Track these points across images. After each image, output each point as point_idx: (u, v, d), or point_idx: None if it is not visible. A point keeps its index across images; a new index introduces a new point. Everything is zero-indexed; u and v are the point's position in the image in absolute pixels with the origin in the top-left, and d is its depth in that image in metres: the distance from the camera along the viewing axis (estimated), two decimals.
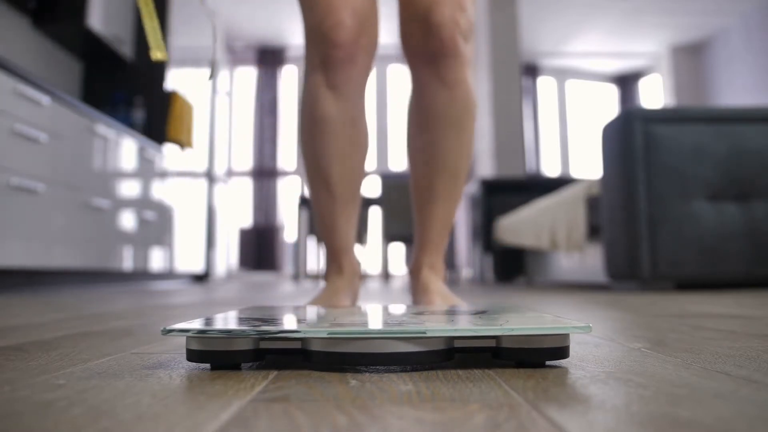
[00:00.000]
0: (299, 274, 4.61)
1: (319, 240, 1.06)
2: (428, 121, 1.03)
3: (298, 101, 1.06)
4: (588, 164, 7.36)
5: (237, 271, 6.75)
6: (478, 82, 6.17)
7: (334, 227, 1.04)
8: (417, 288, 1.05)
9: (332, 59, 0.96)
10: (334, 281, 1.04)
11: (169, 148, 3.77)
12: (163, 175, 3.53)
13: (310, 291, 2.62)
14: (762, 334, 0.70)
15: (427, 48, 0.98)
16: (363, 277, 4.33)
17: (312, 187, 1.05)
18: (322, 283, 3.74)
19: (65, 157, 2.55)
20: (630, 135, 2.20)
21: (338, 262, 1.05)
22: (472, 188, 4.74)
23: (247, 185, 6.83)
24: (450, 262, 4.83)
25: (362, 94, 1.03)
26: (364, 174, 1.07)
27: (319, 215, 1.06)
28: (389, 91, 6.95)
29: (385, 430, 0.29)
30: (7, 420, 0.31)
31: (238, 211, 6.84)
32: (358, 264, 1.08)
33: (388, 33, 6.48)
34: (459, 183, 1.06)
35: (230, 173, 6.79)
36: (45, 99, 2.40)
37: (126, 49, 3.67)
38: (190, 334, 0.46)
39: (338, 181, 1.02)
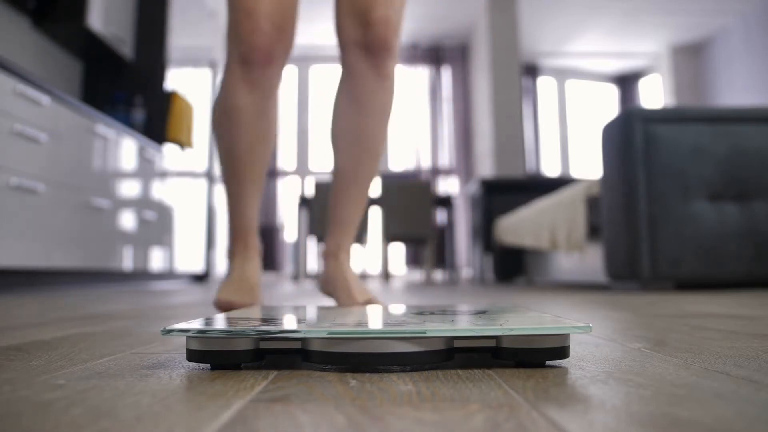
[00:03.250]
0: (299, 274, 4.61)
1: (230, 225, 1.14)
2: (360, 106, 1.12)
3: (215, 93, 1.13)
4: (588, 164, 7.36)
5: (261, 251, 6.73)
6: (478, 82, 6.17)
7: (244, 208, 1.14)
8: (335, 276, 1.12)
9: (250, 59, 1.05)
10: (241, 262, 1.12)
11: (169, 148, 3.77)
12: (163, 175, 3.53)
13: (311, 291, 2.62)
14: (762, 334, 0.70)
15: (365, 41, 1.08)
16: (365, 276, 4.33)
17: (224, 172, 1.14)
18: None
19: (65, 157, 2.55)
20: (630, 135, 2.20)
21: (244, 240, 1.14)
22: (472, 188, 4.74)
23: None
24: (450, 262, 4.83)
25: (275, 90, 1.12)
26: (268, 160, 1.16)
27: (228, 197, 1.15)
28: None
29: (385, 430, 0.29)
30: (7, 420, 0.31)
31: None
32: (258, 246, 1.17)
33: None
34: (377, 166, 1.17)
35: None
36: (45, 99, 2.40)
37: (126, 49, 3.67)
38: (190, 334, 0.46)
39: (247, 167, 1.12)
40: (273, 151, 1.18)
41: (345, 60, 1.12)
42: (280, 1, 1.07)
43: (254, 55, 1.05)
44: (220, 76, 1.18)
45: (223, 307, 1.03)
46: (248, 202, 1.14)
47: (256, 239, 1.16)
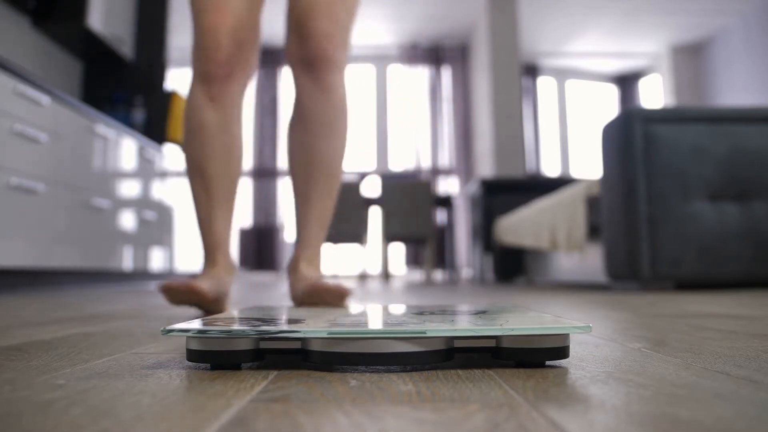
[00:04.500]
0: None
1: (202, 243, 1.14)
2: (306, 124, 1.11)
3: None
4: (588, 164, 7.36)
5: (237, 271, 6.75)
6: (478, 82, 6.17)
7: (210, 224, 1.13)
8: (294, 280, 1.10)
9: (211, 75, 1.07)
10: (210, 271, 1.11)
11: (169, 148, 3.77)
12: (163, 175, 3.53)
13: None
14: (762, 334, 0.70)
15: (305, 55, 1.08)
16: (365, 276, 4.33)
17: (191, 186, 1.14)
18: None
19: (65, 157, 2.55)
20: (630, 135, 2.20)
21: (213, 257, 1.12)
22: (472, 188, 4.74)
23: (247, 185, 6.83)
24: (450, 262, 4.83)
25: (238, 105, 1.13)
26: (238, 176, 1.16)
27: (197, 213, 1.14)
28: (389, 91, 6.95)
29: (385, 430, 0.29)
30: (7, 420, 0.31)
31: (238, 211, 6.84)
32: (233, 263, 1.15)
33: (388, 33, 6.48)
34: (334, 182, 1.15)
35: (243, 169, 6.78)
36: (45, 99, 2.40)
37: (126, 49, 3.67)
38: (190, 334, 0.46)
39: (214, 181, 1.12)
40: (240, 168, 1.18)
41: (293, 78, 1.12)
42: (241, 19, 1.09)
43: (214, 71, 1.07)
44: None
45: (169, 287, 0.98)
46: (217, 219, 1.13)
47: (227, 257, 1.14)
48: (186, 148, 1.13)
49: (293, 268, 1.13)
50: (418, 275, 7.41)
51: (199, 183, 1.12)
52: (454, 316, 0.57)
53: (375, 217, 5.47)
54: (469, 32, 6.55)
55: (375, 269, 6.99)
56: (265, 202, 6.74)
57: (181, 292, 0.98)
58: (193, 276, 1.12)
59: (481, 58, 5.97)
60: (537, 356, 0.46)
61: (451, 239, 4.88)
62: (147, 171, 3.32)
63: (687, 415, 0.31)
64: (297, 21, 1.08)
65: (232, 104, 1.11)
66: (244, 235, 6.72)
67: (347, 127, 1.15)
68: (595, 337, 0.68)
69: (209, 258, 1.13)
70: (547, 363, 0.50)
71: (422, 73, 6.83)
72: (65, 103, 2.55)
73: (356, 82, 7.01)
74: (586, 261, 2.85)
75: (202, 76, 1.08)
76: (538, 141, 7.02)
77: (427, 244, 4.34)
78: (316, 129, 1.11)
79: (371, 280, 4.70)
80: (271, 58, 6.89)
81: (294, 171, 1.15)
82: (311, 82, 1.09)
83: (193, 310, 1.22)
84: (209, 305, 1.05)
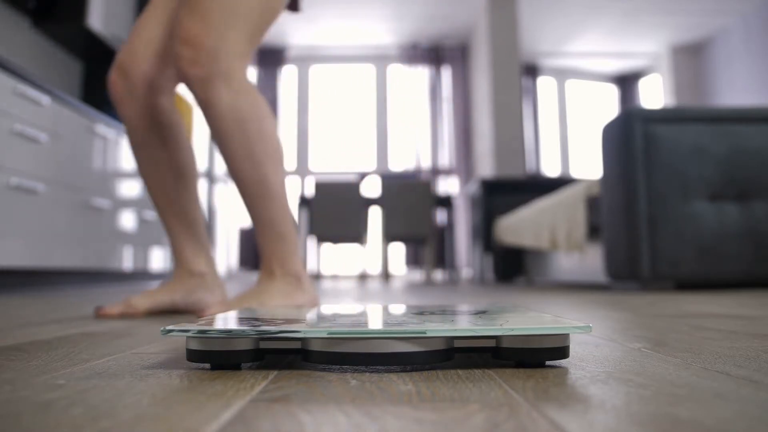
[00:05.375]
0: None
1: None
2: (216, 139, 1.07)
3: None
4: (588, 164, 7.36)
5: (237, 271, 6.75)
6: (478, 82, 6.17)
7: (173, 241, 1.21)
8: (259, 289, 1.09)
9: (114, 103, 1.16)
10: (163, 286, 1.17)
11: None
12: None
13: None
14: (762, 334, 0.70)
15: (177, 65, 1.03)
16: (365, 276, 4.33)
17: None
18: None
19: (65, 157, 2.55)
20: (630, 135, 2.20)
21: (179, 262, 1.21)
22: (472, 188, 4.74)
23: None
24: (450, 262, 4.83)
25: (149, 127, 1.15)
26: (193, 194, 1.21)
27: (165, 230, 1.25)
28: (389, 91, 6.95)
29: (385, 430, 0.29)
30: (7, 420, 0.31)
31: (238, 211, 6.84)
32: (194, 269, 1.19)
33: (388, 33, 6.48)
34: (260, 190, 1.05)
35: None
36: (45, 99, 2.40)
37: None
38: (190, 334, 0.46)
39: (163, 200, 1.18)
40: (195, 182, 1.21)
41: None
42: (134, 47, 1.12)
43: (114, 99, 1.15)
44: None
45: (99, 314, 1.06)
46: (176, 236, 1.19)
47: (187, 274, 1.18)
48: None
49: (260, 280, 1.10)
50: (418, 275, 7.41)
51: (154, 203, 1.22)
52: (454, 316, 0.57)
53: (375, 217, 5.48)
54: (469, 32, 6.55)
55: (375, 269, 6.99)
56: None
57: (117, 316, 1.07)
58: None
59: (481, 58, 5.97)
60: (537, 356, 0.46)
61: (451, 239, 4.88)
62: None
63: (687, 415, 0.31)
64: (175, 27, 1.10)
65: (141, 126, 1.16)
66: (244, 235, 6.72)
67: (252, 133, 1.03)
68: (595, 337, 0.68)
69: (177, 263, 1.22)
70: (547, 363, 0.50)
71: (422, 73, 6.83)
72: (65, 103, 2.55)
73: (356, 82, 7.01)
74: (586, 261, 2.85)
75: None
76: (538, 141, 7.02)
77: (427, 244, 4.34)
78: (221, 143, 1.04)
79: (371, 280, 4.70)
80: (270, 58, 6.89)
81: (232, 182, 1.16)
82: (195, 95, 1.02)
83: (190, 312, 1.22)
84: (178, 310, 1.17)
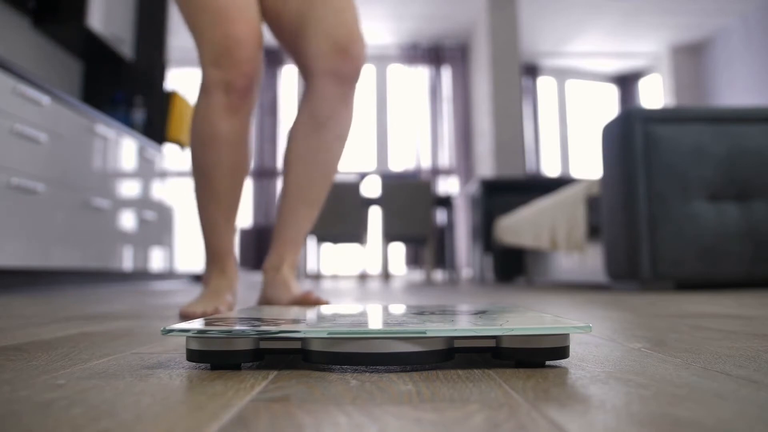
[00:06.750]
0: (299, 274, 4.61)
1: (206, 251, 1.17)
2: (320, 130, 1.14)
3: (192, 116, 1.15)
4: (588, 164, 7.36)
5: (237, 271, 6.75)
6: (478, 82, 6.17)
7: (222, 234, 1.14)
8: (275, 283, 1.12)
9: (235, 85, 1.07)
10: (217, 283, 1.12)
11: (169, 148, 3.76)
12: (163, 175, 3.53)
13: (310, 290, 2.62)
14: (762, 334, 0.70)
15: (340, 71, 1.12)
16: (365, 276, 4.33)
17: (198, 194, 1.14)
18: (200, 289, 3.74)
19: (65, 157, 2.55)
20: (630, 135, 2.20)
21: (221, 265, 1.14)
22: (472, 188, 4.74)
23: (247, 185, 6.83)
24: (450, 262, 4.83)
25: (251, 116, 1.15)
26: (243, 186, 1.18)
27: (202, 221, 1.15)
28: (389, 91, 6.95)
29: (385, 430, 0.29)
30: (7, 420, 0.31)
31: (239, 212, 6.84)
32: (236, 271, 1.17)
33: (388, 33, 6.48)
34: (329, 188, 1.20)
35: None
36: (45, 99, 2.40)
37: (126, 49, 3.67)
38: (190, 334, 0.46)
39: (226, 193, 1.13)
40: (245, 177, 1.20)
41: (312, 85, 1.14)
42: (259, 28, 1.11)
43: (240, 81, 1.07)
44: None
45: (185, 315, 1.02)
46: (226, 228, 1.15)
47: (234, 265, 1.16)
48: (196, 157, 1.12)
49: (275, 268, 1.14)
50: (418, 275, 7.41)
51: (207, 193, 1.12)
52: (454, 316, 0.57)
53: (375, 217, 5.47)
54: (469, 32, 6.55)
55: (375, 269, 6.99)
56: (265, 202, 6.74)
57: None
58: (206, 288, 1.13)
59: (481, 58, 5.97)
60: (537, 356, 0.46)
61: (451, 239, 4.88)
62: (147, 171, 3.32)
63: (687, 415, 0.31)
64: (337, 39, 1.11)
65: (248, 115, 1.13)
66: (244, 235, 6.72)
67: (347, 142, 1.20)
68: (595, 337, 0.68)
69: (218, 266, 1.14)
70: (547, 363, 0.50)
71: (422, 73, 6.83)
72: (65, 103, 2.55)
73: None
74: (586, 261, 2.85)
75: (226, 86, 1.07)
76: (538, 141, 7.02)
77: (427, 244, 4.34)
78: (330, 135, 1.14)
79: (371, 280, 4.70)
80: (270, 58, 6.89)
81: (295, 171, 1.15)
82: (338, 95, 1.13)
83: None
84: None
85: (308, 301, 1.07)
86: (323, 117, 1.14)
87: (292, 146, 1.16)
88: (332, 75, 1.12)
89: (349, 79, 1.14)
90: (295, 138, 1.16)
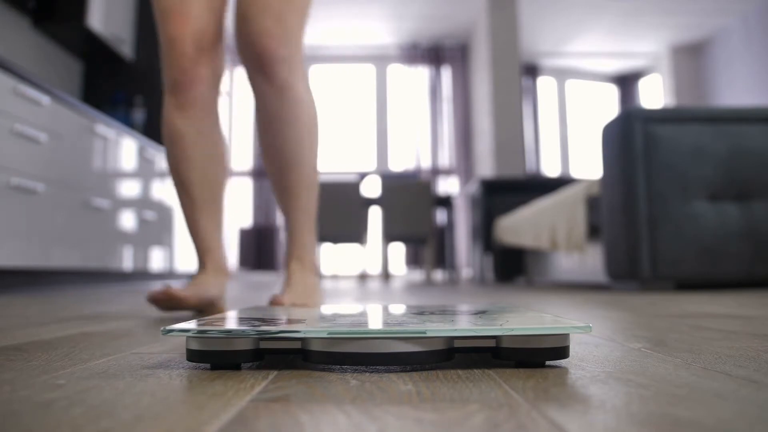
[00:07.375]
0: None
1: (194, 248, 1.20)
2: (267, 123, 1.12)
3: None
4: (588, 164, 7.36)
5: (237, 271, 6.75)
6: (478, 82, 6.17)
7: (197, 229, 1.15)
8: (285, 283, 1.13)
9: (177, 83, 1.09)
10: (198, 278, 1.12)
11: None
12: (163, 175, 3.53)
13: None
14: (762, 334, 0.70)
15: (249, 55, 1.08)
16: (365, 276, 4.33)
17: (177, 194, 1.17)
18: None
19: (65, 157, 2.55)
20: (630, 135, 2.20)
21: (202, 261, 1.16)
22: (472, 188, 4.74)
23: (247, 185, 6.83)
24: (450, 262, 4.83)
25: (211, 110, 1.15)
26: (222, 180, 1.18)
27: (186, 222, 1.17)
28: (389, 91, 6.95)
29: (385, 430, 0.29)
30: (7, 420, 0.31)
31: (238, 211, 6.85)
32: (225, 263, 1.18)
33: (388, 33, 6.48)
34: (306, 177, 1.15)
35: (230, 173, 6.79)
36: (45, 99, 2.40)
37: (126, 49, 3.67)
38: (190, 334, 0.46)
39: (195, 188, 1.14)
40: (223, 171, 1.19)
41: (248, 78, 1.12)
42: (202, 24, 1.10)
43: (180, 78, 1.08)
44: None
45: (159, 295, 1.01)
46: (205, 225, 1.16)
47: (216, 261, 1.16)
48: (167, 157, 1.16)
49: (285, 267, 1.16)
50: (418, 275, 7.41)
51: (182, 191, 1.15)
52: (454, 316, 0.57)
53: (375, 217, 5.47)
54: (469, 32, 6.55)
55: (375, 269, 6.99)
56: (264, 202, 6.74)
57: (162, 300, 1.02)
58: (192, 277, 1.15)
59: (481, 58, 5.97)
60: (537, 356, 0.46)
61: (451, 239, 4.88)
62: (147, 171, 3.32)
63: (687, 415, 0.31)
64: (239, 22, 1.09)
65: (204, 109, 1.13)
66: (244, 235, 6.72)
67: (312, 123, 1.13)
68: (595, 337, 0.68)
69: (201, 261, 1.16)
70: (547, 363, 0.50)
71: (422, 73, 6.83)
72: (65, 103, 2.55)
73: (356, 82, 7.01)
74: (586, 261, 2.85)
75: (170, 86, 1.10)
76: (538, 141, 7.02)
77: (427, 244, 4.34)
78: (276, 127, 1.11)
79: (371, 280, 4.70)
80: None
81: (268, 169, 1.16)
82: (263, 82, 1.09)
83: (190, 312, 1.22)
84: (195, 308, 1.09)
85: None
86: (262, 110, 1.12)
87: (259, 146, 1.19)
88: (248, 62, 1.10)
89: (262, 61, 1.07)
90: (257, 137, 1.18)
